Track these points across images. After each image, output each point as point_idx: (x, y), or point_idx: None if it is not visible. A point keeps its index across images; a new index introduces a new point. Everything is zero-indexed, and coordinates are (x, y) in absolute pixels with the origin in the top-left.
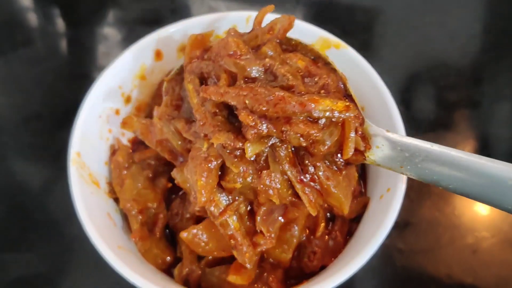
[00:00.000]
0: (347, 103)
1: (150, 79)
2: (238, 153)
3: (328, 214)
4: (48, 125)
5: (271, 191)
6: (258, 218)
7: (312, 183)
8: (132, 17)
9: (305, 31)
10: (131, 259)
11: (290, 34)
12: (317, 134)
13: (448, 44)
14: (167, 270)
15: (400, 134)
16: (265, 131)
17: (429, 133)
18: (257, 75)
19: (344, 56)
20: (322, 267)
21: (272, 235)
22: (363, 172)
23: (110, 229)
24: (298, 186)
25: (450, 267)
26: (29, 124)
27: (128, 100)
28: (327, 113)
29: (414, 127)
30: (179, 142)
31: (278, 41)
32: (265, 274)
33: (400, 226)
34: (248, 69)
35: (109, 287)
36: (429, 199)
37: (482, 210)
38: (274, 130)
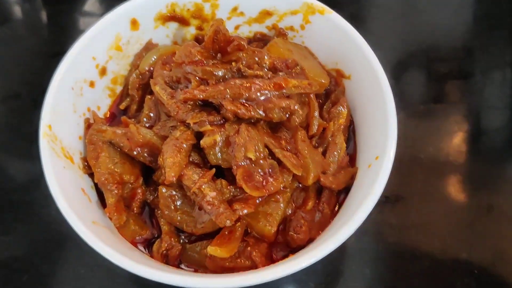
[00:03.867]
0: (310, 81)
1: (126, 50)
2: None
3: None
4: (26, 105)
5: (245, 148)
6: (237, 177)
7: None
8: None
9: None
10: (107, 234)
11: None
12: (294, 105)
13: (438, 14)
14: (147, 248)
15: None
16: (247, 114)
17: (419, 105)
18: (226, 76)
19: (329, 22)
20: (310, 241)
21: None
22: (352, 142)
23: (84, 204)
24: (277, 150)
25: (444, 241)
26: (7, 104)
27: (103, 72)
28: (296, 90)
29: (404, 100)
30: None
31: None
32: (249, 248)
33: (392, 201)
34: (216, 73)
35: (89, 269)
36: (420, 173)
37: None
38: (260, 112)
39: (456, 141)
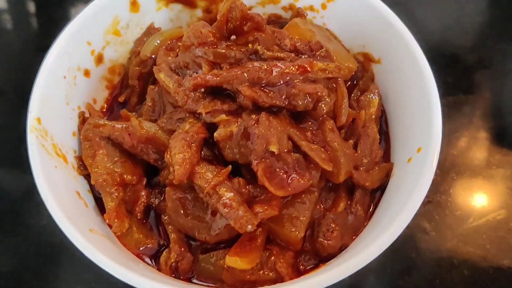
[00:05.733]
0: (338, 64)
1: (125, 35)
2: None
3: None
4: (12, 103)
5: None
6: (258, 173)
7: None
8: None
9: None
10: (106, 244)
11: None
12: (322, 90)
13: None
14: (153, 260)
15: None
16: (267, 101)
17: (448, 97)
18: (241, 59)
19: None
20: (342, 248)
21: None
22: (385, 134)
23: (79, 210)
24: (303, 143)
25: (484, 247)
26: None
27: (99, 59)
28: (322, 74)
29: None
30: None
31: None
32: (273, 258)
33: (423, 203)
34: (230, 56)
35: (87, 286)
36: (453, 172)
37: None
38: (281, 98)
39: (489, 136)
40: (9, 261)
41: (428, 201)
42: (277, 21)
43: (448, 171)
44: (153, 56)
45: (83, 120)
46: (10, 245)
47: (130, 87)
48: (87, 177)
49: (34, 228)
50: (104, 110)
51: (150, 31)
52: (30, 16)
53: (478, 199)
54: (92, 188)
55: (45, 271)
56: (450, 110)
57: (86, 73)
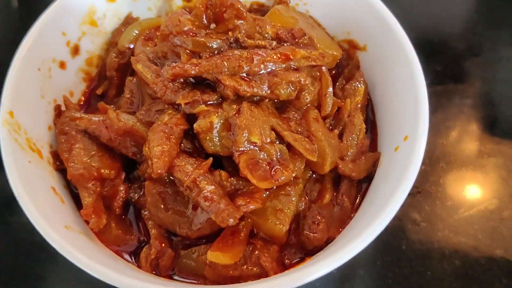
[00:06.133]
0: (322, 52)
1: (102, 26)
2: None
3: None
4: None
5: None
6: (240, 165)
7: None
8: None
9: None
10: (83, 241)
11: None
12: (305, 78)
13: None
14: (133, 257)
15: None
16: (249, 90)
17: (437, 86)
18: (221, 48)
19: None
20: (328, 241)
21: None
22: (372, 123)
23: (55, 206)
24: (286, 133)
25: (475, 237)
26: None
27: (75, 50)
28: (305, 62)
29: None
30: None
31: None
32: (257, 252)
33: (413, 193)
34: (210, 45)
35: (68, 285)
36: (443, 162)
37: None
38: (264, 87)
39: (480, 125)
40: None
41: (418, 192)
42: (259, 9)
43: (438, 161)
44: (132, 47)
45: (59, 113)
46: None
47: (108, 78)
48: (64, 172)
49: (14, 226)
50: (82, 103)
51: (128, 20)
52: (8, 7)
53: (469, 188)
54: (69, 184)
55: (25, 270)
56: (440, 99)
57: (62, 65)
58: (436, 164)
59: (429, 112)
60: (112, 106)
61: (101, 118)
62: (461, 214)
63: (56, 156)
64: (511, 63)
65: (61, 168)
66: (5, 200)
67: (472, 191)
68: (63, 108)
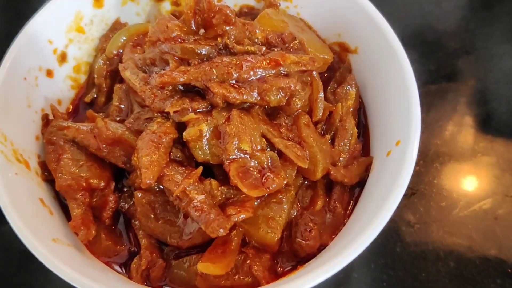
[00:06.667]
0: (313, 56)
1: (89, 32)
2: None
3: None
4: None
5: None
6: (231, 173)
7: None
8: None
9: None
10: (72, 254)
11: None
12: (295, 84)
13: None
14: (124, 268)
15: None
16: (238, 98)
17: (430, 85)
18: (210, 54)
19: None
20: (321, 248)
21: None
22: (364, 127)
23: (42, 218)
24: (277, 140)
25: (469, 237)
26: None
27: (62, 58)
28: (296, 67)
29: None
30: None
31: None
32: (248, 261)
33: (407, 195)
34: (198, 51)
35: None
36: (437, 162)
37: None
38: (254, 94)
39: (474, 123)
40: None
41: (412, 193)
42: (249, 13)
43: (432, 161)
44: (120, 52)
45: (46, 122)
46: None
47: (97, 86)
48: (53, 182)
49: (5, 236)
50: (70, 111)
51: (116, 26)
52: None
53: (463, 188)
54: (58, 194)
55: (16, 279)
56: (433, 98)
57: (49, 73)
58: (430, 164)
59: (423, 112)
60: (101, 114)
61: (90, 127)
62: (455, 214)
63: (44, 167)
64: (503, 60)
65: (49, 179)
66: None
67: (466, 191)
68: (50, 117)
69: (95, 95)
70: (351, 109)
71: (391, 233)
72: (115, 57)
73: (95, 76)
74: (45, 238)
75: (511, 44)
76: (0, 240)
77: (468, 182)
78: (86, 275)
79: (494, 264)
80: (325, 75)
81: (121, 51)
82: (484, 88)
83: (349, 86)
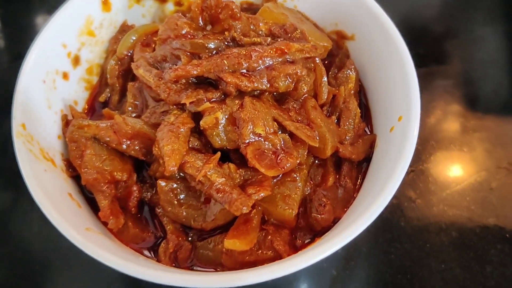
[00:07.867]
0: (314, 44)
1: (99, 35)
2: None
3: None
4: None
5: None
6: (248, 155)
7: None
8: None
9: None
10: (105, 242)
11: None
12: (301, 70)
13: None
14: (152, 253)
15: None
16: (250, 85)
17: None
18: (219, 47)
19: None
20: (335, 221)
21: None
22: (365, 107)
23: (73, 211)
24: (288, 123)
25: (468, 208)
26: None
27: (76, 61)
28: (300, 54)
29: None
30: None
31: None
32: (269, 237)
33: (407, 172)
34: (208, 45)
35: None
36: (433, 140)
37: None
38: (264, 81)
39: (463, 102)
40: (1, 271)
41: (411, 171)
42: (249, 8)
43: (427, 139)
44: (130, 53)
45: (66, 122)
46: (1, 255)
47: (110, 86)
48: (77, 178)
49: (25, 237)
50: (86, 111)
51: (124, 28)
52: None
53: (458, 163)
54: (83, 189)
55: (40, 278)
56: (424, 81)
57: (65, 75)
58: (426, 142)
59: None
60: (117, 111)
61: (109, 123)
62: (453, 188)
63: (69, 164)
64: (486, 42)
65: (74, 175)
66: (12, 213)
67: (461, 165)
68: (69, 117)
69: (109, 95)
70: (353, 91)
71: (395, 209)
72: (126, 57)
73: (108, 76)
74: (80, 228)
75: (492, 26)
76: (20, 242)
77: (463, 157)
78: (124, 258)
79: (493, 231)
80: (326, 62)
81: (131, 52)
82: (470, 68)
83: (349, 70)
